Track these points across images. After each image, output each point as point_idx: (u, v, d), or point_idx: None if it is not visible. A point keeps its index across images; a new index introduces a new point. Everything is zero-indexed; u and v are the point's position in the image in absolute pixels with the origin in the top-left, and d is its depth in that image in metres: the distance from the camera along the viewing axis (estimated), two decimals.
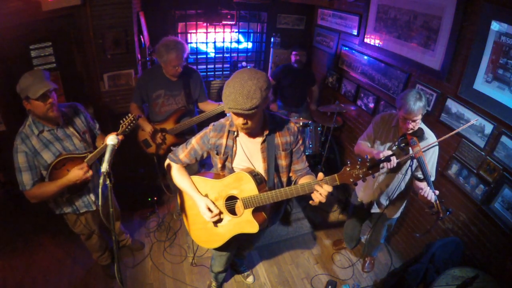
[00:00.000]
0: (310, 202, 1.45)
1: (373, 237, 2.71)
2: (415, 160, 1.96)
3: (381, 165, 1.94)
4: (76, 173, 1.80)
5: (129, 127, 1.87)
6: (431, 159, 2.04)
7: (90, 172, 1.85)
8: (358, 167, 1.29)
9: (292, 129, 1.66)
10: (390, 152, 1.97)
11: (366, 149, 2.16)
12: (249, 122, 1.44)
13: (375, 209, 2.45)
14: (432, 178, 2.02)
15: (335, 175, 1.36)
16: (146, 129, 2.63)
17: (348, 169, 1.32)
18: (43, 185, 1.84)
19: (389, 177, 2.24)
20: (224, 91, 1.38)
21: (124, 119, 1.87)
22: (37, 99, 1.69)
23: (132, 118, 1.87)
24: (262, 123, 1.58)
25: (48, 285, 2.50)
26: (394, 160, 1.87)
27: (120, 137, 1.81)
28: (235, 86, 1.33)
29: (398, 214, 2.44)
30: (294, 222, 3.32)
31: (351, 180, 1.32)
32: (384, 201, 2.37)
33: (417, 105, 1.85)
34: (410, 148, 1.96)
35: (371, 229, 2.70)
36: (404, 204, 2.42)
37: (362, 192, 2.48)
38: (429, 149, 1.99)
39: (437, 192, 1.85)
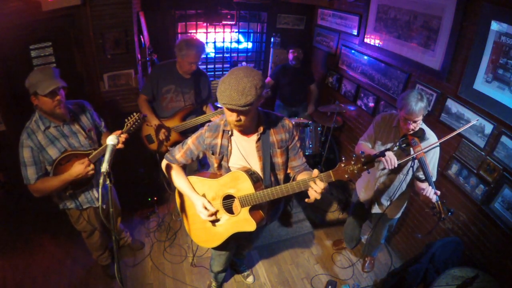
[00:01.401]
0: (306, 200, 1.45)
1: (374, 237, 2.71)
2: (416, 161, 1.96)
3: (382, 166, 1.93)
4: (77, 168, 1.82)
5: (134, 125, 1.90)
6: (432, 159, 2.04)
7: (92, 167, 1.86)
8: (352, 163, 1.29)
9: (287, 126, 1.66)
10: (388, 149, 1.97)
11: (366, 149, 2.16)
12: (243, 119, 1.45)
13: (376, 209, 2.45)
14: (434, 178, 2.02)
15: (330, 171, 1.35)
16: (152, 123, 2.64)
17: (343, 165, 1.32)
18: (47, 179, 1.86)
19: (390, 178, 2.24)
20: (219, 87, 1.39)
21: (129, 117, 1.90)
22: (45, 95, 1.71)
23: (137, 117, 1.89)
24: (256, 121, 1.59)
25: (48, 285, 2.50)
26: (394, 160, 1.87)
27: (125, 135, 1.85)
28: (231, 82, 1.34)
29: (399, 214, 2.44)
30: (294, 222, 3.32)
31: (346, 176, 1.31)
32: (385, 202, 2.37)
33: (418, 105, 1.84)
34: (411, 148, 1.96)
35: (371, 229, 2.70)
36: (405, 205, 2.42)
37: (363, 192, 2.48)
38: (430, 150, 2.00)
39: (438, 192, 1.85)
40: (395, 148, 2.06)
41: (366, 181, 2.43)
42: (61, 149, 1.88)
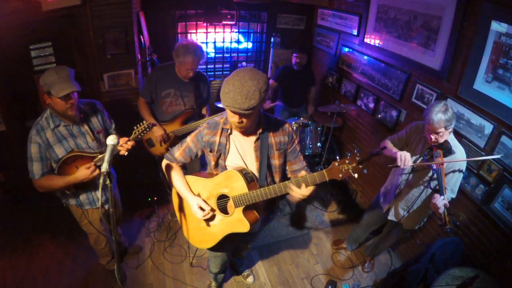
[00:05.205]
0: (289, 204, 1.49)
1: (382, 243, 2.68)
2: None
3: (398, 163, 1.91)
4: (83, 172, 1.83)
5: (142, 133, 1.91)
6: (454, 176, 1.98)
7: (97, 171, 1.87)
8: (347, 162, 1.26)
9: (286, 130, 1.66)
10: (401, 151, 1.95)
11: (389, 146, 2.13)
12: (245, 121, 1.44)
13: (391, 216, 2.42)
14: (453, 195, 2.00)
15: (324, 170, 1.34)
16: (158, 133, 2.64)
17: (337, 164, 1.29)
18: (52, 178, 1.88)
19: (410, 187, 2.21)
20: (223, 88, 1.37)
21: (138, 125, 1.91)
22: (59, 97, 1.72)
23: (146, 126, 1.91)
24: (257, 122, 1.59)
25: (48, 285, 2.50)
26: (408, 159, 1.86)
27: (132, 143, 1.87)
28: (235, 84, 1.33)
29: (416, 227, 2.40)
30: (294, 222, 3.32)
31: (341, 175, 1.29)
32: (402, 211, 2.31)
33: (438, 117, 1.78)
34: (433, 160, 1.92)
35: (383, 234, 2.65)
36: (425, 219, 2.36)
37: (383, 198, 2.46)
38: (453, 164, 1.94)
39: (448, 205, 1.81)
40: (420, 159, 2.04)
41: (389, 187, 2.40)
42: (68, 148, 1.89)
